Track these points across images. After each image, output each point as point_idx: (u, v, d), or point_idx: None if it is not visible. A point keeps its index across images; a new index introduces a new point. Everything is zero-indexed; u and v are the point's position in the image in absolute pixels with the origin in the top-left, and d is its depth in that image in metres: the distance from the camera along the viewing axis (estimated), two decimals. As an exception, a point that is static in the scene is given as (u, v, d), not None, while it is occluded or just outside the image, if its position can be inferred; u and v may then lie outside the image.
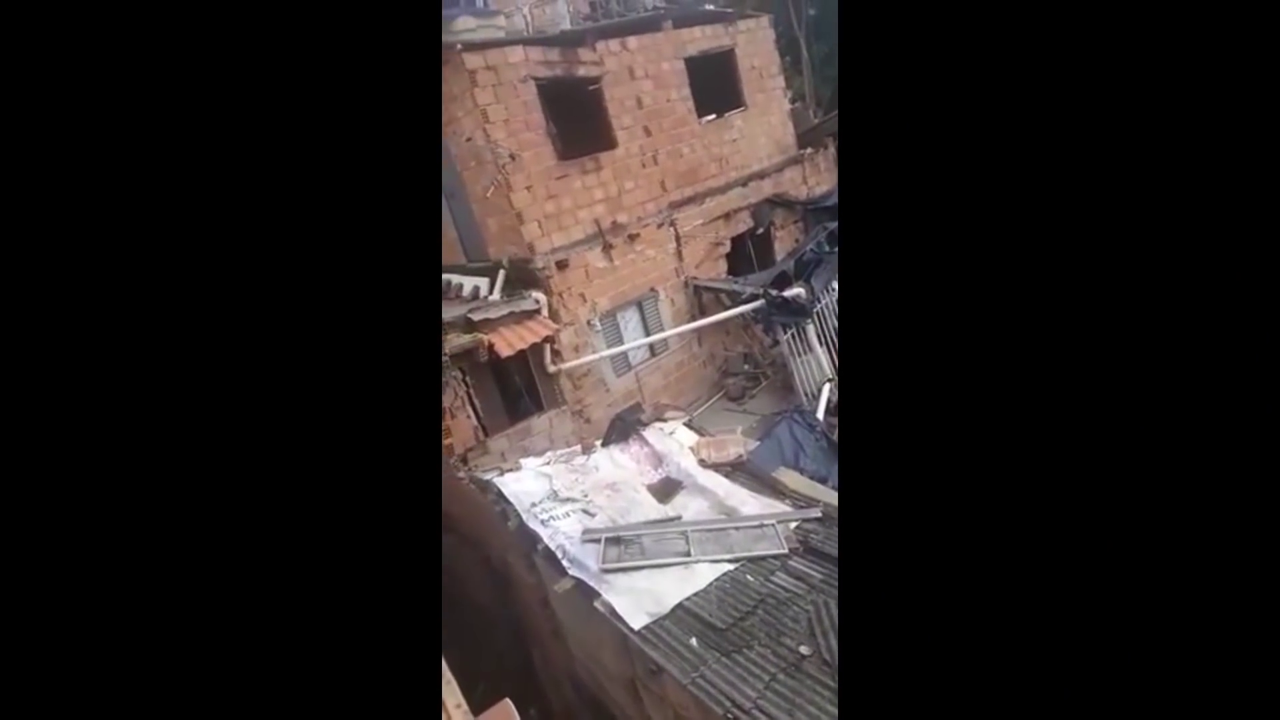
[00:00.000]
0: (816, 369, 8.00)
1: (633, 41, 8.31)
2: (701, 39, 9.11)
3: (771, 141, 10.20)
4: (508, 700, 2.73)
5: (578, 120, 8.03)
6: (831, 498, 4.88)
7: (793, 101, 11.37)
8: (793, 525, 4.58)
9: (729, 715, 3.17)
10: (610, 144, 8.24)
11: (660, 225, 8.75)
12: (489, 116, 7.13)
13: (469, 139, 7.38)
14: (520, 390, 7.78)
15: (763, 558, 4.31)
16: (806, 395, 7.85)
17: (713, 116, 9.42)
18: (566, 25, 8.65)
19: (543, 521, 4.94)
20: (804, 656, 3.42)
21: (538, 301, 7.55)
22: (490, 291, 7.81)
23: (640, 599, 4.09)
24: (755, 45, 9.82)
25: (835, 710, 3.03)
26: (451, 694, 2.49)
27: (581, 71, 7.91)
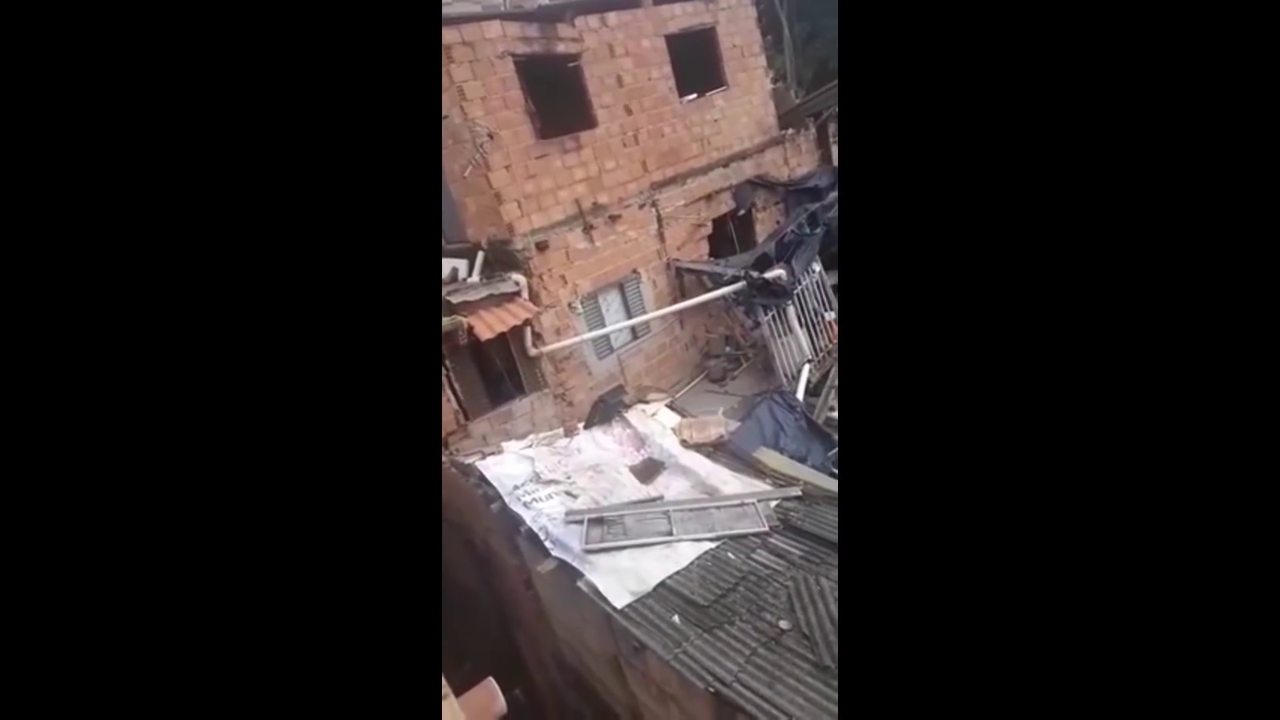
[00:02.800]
0: (796, 350, 8.07)
1: (613, 18, 8.15)
2: (682, 16, 8.96)
3: (753, 122, 10.13)
4: (490, 679, 2.74)
5: (557, 98, 7.88)
6: (811, 477, 4.95)
7: (774, 81, 11.28)
8: (773, 504, 4.65)
9: (711, 689, 3.23)
10: (590, 123, 8.10)
11: (642, 206, 8.68)
12: (466, 94, 6.96)
13: (446, 117, 7.20)
14: (501, 373, 7.72)
15: (744, 536, 4.37)
16: (786, 376, 7.92)
17: (694, 96, 9.31)
18: (545, 0, 8.44)
19: (525, 504, 4.94)
20: (784, 631, 3.49)
21: (518, 284, 7.46)
22: (469, 273, 7.69)
23: (623, 578, 4.13)
24: (736, 23, 9.69)
25: (815, 682, 3.11)
26: None
27: (560, 48, 7.74)
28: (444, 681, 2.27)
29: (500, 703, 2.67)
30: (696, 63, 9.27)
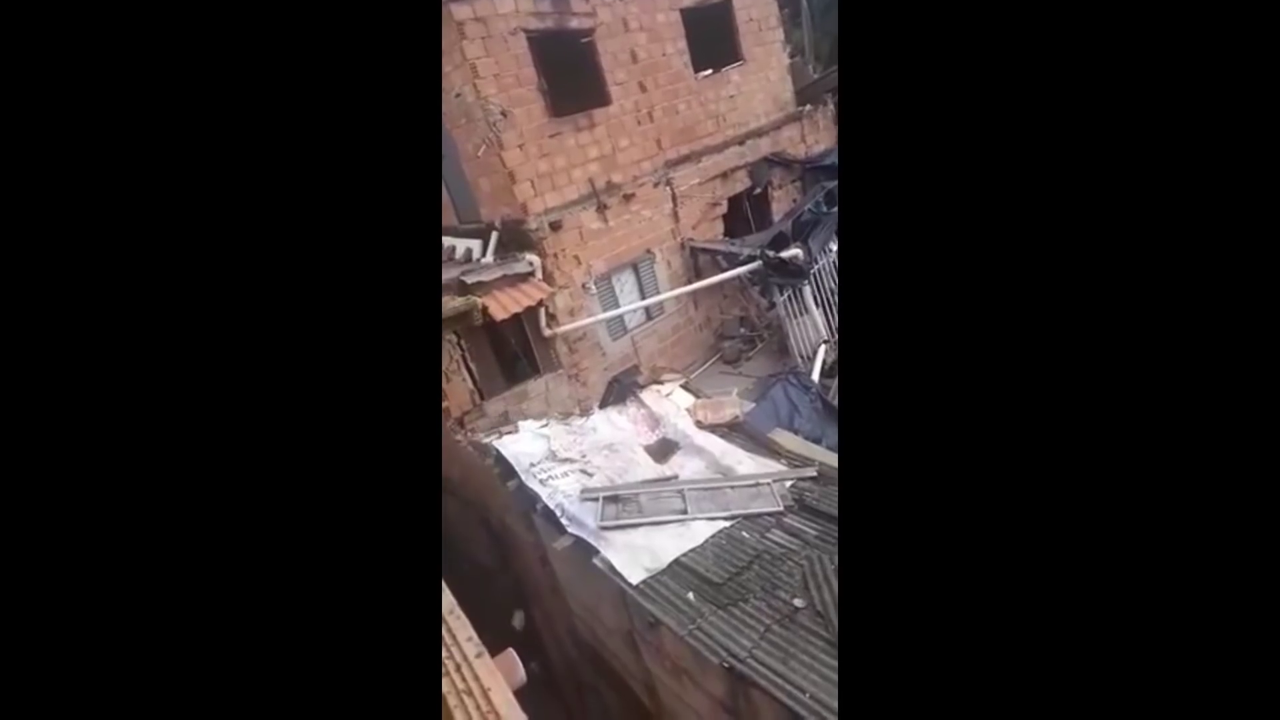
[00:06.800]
0: (812, 331, 8.00)
1: (627, -9, 8.00)
2: (698, -12, 8.77)
3: (769, 98, 9.93)
4: (511, 650, 2.80)
5: (570, 75, 7.77)
6: (826, 457, 4.94)
7: (791, 56, 11.03)
8: (788, 484, 4.65)
9: (725, 664, 3.27)
10: (604, 100, 8.00)
11: (656, 185, 8.59)
12: (479, 71, 6.89)
13: (458, 95, 7.15)
14: (516, 354, 7.76)
15: (758, 515, 4.39)
16: (802, 357, 7.87)
17: (709, 71, 9.14)
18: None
19: (541, 481, 4.99)
20: (798, 609, 3.51)
21: (531, 264, 7.45)
22: (483, 254, 7.70)
23: (638, 555, 4.17)
24: (753, -5, 9.46)
25: (828, 659, 3.13)
26: (463, 627, 2.56)
27: (574, 23, 7.62)
28: (477, 639, 2.33)
29: (520, 673, 2.72)
30: (712, 37, 9.08)
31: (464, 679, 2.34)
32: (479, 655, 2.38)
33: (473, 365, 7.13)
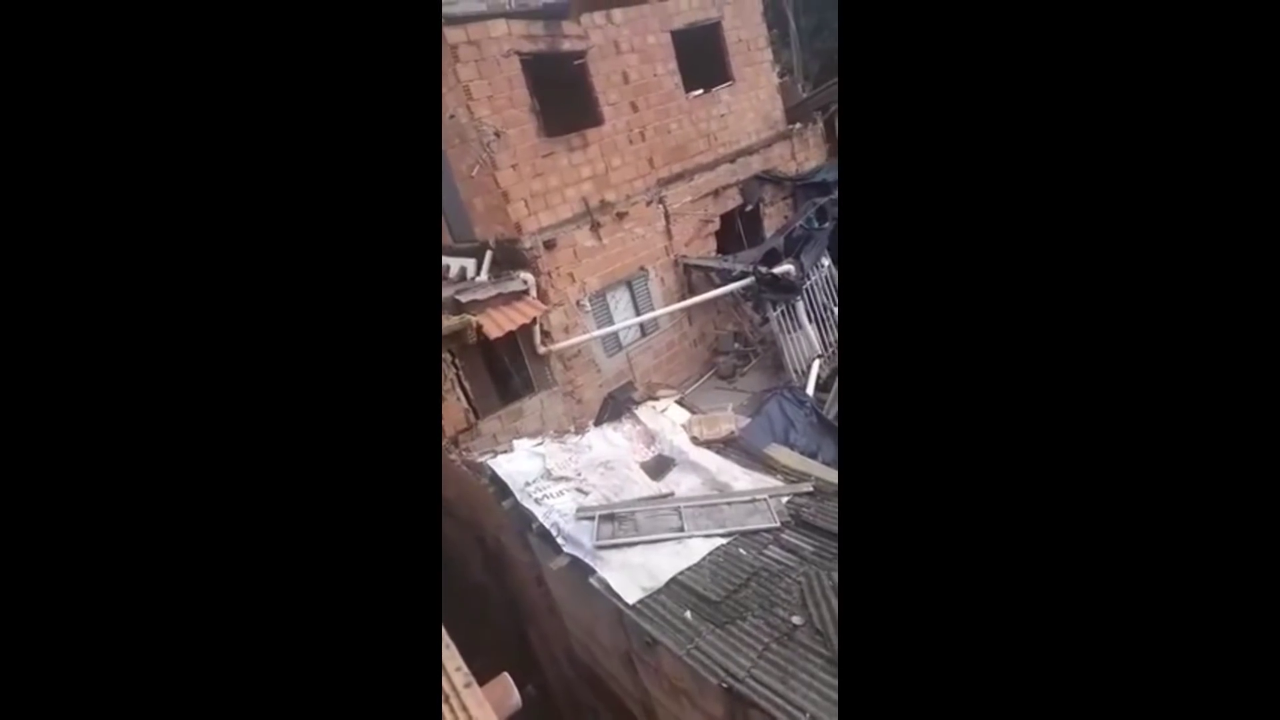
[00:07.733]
0: (806, 346, 8.03)
1: (618, 14, 8.13)
2: (688, 10, 8.92)
3: (760, 117, 10.08)
4: (505, 674, 2.76)
5: (563, 96, 7.88)
6: (821, 472, 4.93)
7: (781, 75, 11.22)
8: (784, 499, 4.64)
9: (724, 684, 3.24)
10: (597, 120, 8.10)
11: (649, 203, 8.66)
12: (472, 93, 6.98)
13: (452, 116, 7.22)
14: (510, 372, 7.75)
15: (755, 532, 4.37)
16: (796, 372, 7.89)
17: (700, 91, 9.28)
18: (550, -2, 8.42)
19: (537, 500, 4.96)
20: (796, 626, 3.49)
21: (526, 282, 7.48)
22: (477, 273, 7.72)
23: (634, 574, 4.14)
24: (742, 17, 9.64)
25: (828, 677, 3.10)
26: (452, 658, 2.53)
27: (566, 45, 7.74)
28: (466, 670, 2.30)
29: (515, 697, 2.68)
30: (702, 58, 9.23)
31: (453, 710, 2.31)
32: (468, 685, 2.35)
33: (467, 384, 7.11)
